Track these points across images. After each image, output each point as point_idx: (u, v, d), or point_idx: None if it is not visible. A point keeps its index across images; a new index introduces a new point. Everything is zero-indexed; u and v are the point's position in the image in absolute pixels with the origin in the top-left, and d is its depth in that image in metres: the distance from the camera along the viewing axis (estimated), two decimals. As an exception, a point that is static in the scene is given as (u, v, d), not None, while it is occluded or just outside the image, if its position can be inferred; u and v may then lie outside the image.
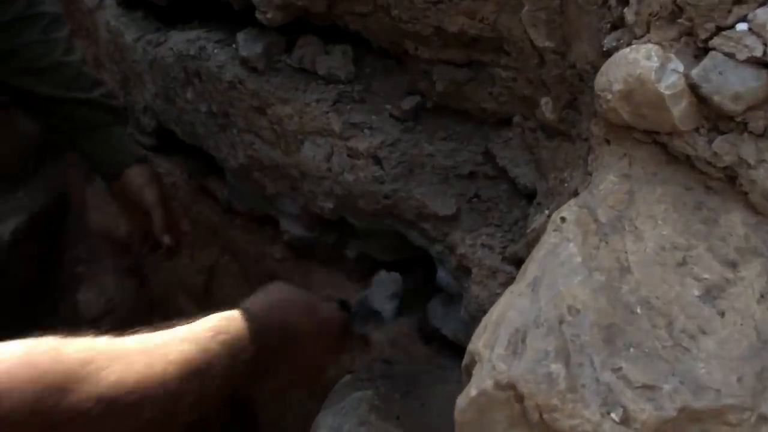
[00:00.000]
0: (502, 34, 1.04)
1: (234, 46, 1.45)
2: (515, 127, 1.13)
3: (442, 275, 1.16)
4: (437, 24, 1.10)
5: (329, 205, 1.29)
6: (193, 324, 0.80)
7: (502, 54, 1.10)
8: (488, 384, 0.62)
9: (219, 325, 0.81)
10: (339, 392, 1.24)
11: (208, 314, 1.96)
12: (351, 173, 1.21)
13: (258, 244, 1.59)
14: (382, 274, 1.17)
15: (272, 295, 0.93)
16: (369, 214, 1.23)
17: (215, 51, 1.49)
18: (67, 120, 1.41)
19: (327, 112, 1.26)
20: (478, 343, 0.67)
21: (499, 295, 1.00)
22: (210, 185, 1.71)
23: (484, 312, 1.02)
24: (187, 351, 0.75)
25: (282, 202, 1.45)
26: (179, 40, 1.60)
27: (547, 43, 0.98)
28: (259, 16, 1.29)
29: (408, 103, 1.23)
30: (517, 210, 1.09)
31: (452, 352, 1.15)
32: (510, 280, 0.99)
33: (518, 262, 1.02)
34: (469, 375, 0.69)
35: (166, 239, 1.36)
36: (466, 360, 0.71)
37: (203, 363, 0.75)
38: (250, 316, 0.85)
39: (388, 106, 1.25)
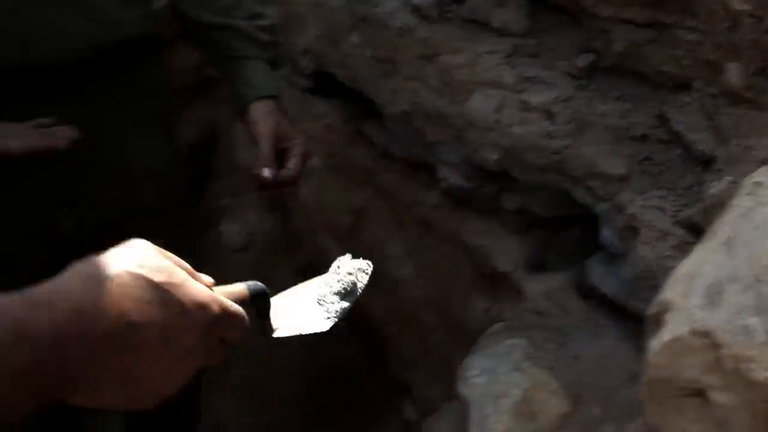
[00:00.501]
0: (693, -6, 1.03)
1: (405, -6, 1.49)
2: (694, 92, 1.12)
3: (607, 234, 1.17)
4: (624, -19, 1.09)
5: (493, 156, 1.31)
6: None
7: (689, 15, 1.09)
8: (684, 330, 0.64)
9: (13, 330, 0.54)
10: (490, 338, 1.28)
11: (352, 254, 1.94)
12: (521, 126, 1.23)
13: (412, 189, 1.64)
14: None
15: (115, 264, 0.60)
16: (535, 168, 1.25)
17: (386, -3, 1.53)
18: (220, 48, 1.40)
19: (499, 65, 1.28)
20: (669, 293, 0.70)
21: (669, 257, 1.02)
22: (366, 129, 1.76)
23: (651, 273, 1.04)
24: None
25: (442, 150, 1.49)
26: (347, -16, 1.64)
27: (744, 6, 0.97)
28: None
29: (583, 61, 1.23)
30: (690, 175, 1.08)
31: (610, 309, 1.17)
32: (682, 244, 1.00)
33: (691, 227, 1.02)
34: (657, 323, 0.71)
35: (265, 172, 1.28)
36: (653, 310, 0.73)
37: None
38: (68, 309, 0.57)
39: (562, 63, 1.26)
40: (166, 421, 1.78)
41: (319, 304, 0.84)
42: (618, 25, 1.17)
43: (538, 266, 1.35)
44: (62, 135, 1.09)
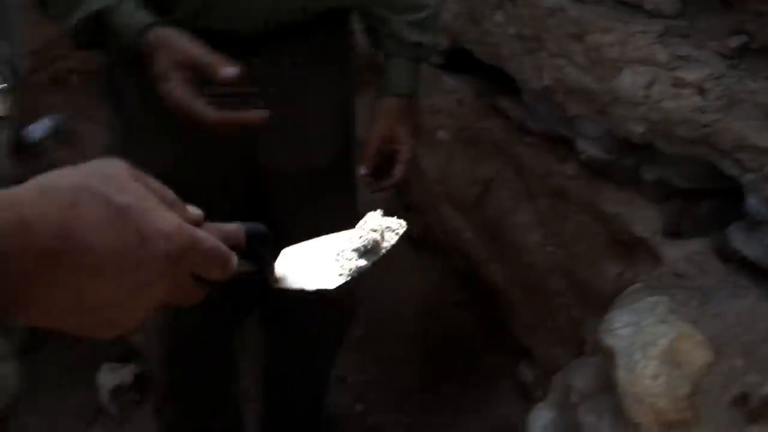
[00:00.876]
0: None
1: (556, -24, 1.59)
2: None
3: (753, 203, 1.26)
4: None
5: (639, 129, 1.41)
6: None
7: None
8: None
9: None
10: (630, 296, 1.39)
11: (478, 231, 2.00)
12: (672, 101, 1.33)
13: (547, 161, 1.75)
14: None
15: (73, 178, 0.55)
16: (684, 141, 1.34)
17: (536, -21, 1.63)
18: (375, 38, 1.45)
19: (652, 44, 1.38)
20: None
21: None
22: (501, 104, 1.87)
23: (801, 237, 1.13)
24: None
25: (582, 124, 1.59)
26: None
27: None
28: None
29: (735, 42, 1.32)
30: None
31: (751, 272, 1.26)
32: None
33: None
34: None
35: (361, 170, 1.37)
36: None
37: None
38: (14, 218, 0.52)
39: (713, 43, 1.35)
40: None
41: (336, 259, 0.79)
42: (773, 7, 1.25)
43: (674, 234, 1.44)
44: (256, 115, 1.13)
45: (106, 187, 0.54)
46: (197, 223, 0.62)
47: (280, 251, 0.73)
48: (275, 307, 1.84)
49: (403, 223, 0.84)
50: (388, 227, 0.84)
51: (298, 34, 1.30)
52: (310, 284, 0.76)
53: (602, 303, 1.61)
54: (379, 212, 0.84)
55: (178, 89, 1.12)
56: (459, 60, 2.06)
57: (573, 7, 1.52)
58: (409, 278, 2.52)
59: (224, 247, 0.62)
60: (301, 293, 0.72)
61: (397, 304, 2.50)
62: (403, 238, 2.21)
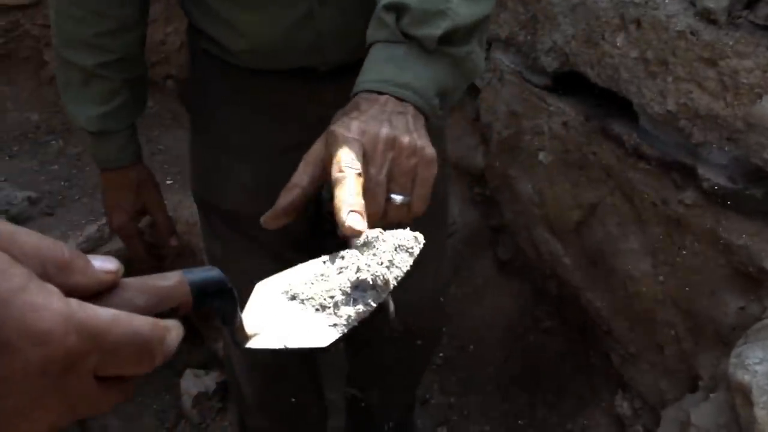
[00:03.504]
0: None
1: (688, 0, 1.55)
2: None
3: None
4: None
5: (777, 158, 1.36)
6: None
7: None
8: None
9: None
10: (762, 331, 1.33)
11: (577, 256, 1.88)
12: (818, 130, 1.28)
13: (662, 188, 1.70)
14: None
15: None
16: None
17: (665, 1, 1.59)
18: None
19: (797, 70, 1.33)
20: None
21: None
22: (614, 128, 1.83)
23: None
24: None
25: (708, 150, 1.54)
26: (620, -11, 1.72)
27: None
28: (739, -28, 1.38)
29: None
30: None
31: None
32: None
33: None
34: None
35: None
36: None
37: None
38: None
39: None
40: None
41: (327, 303, 0.59)
42: None
43: (808, 269, 1.38)
44: None
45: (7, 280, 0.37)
46: (110, 285, 0.44)
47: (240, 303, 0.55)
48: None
49: (421, 238, 0.71)
50: (400, 246, 0.68)
51: None
52: (295, 342, 0.57)
53: (720, 338, 1.56)
54: (384, 231, 0.71)
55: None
56: (568, 83, 2.03)
57: (707, 30, 1.48)
58: (497, 301, 2.49)
59: (146, 327, 0.43)
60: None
61: (484, 327, 2.46)
62: (492, 261, 2.18)
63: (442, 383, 2.38)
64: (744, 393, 1.23)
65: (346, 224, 0.71)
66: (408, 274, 0.66)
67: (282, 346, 0.56)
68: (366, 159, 0.81)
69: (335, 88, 1.09)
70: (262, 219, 0.83)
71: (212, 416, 2.32)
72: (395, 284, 0.63)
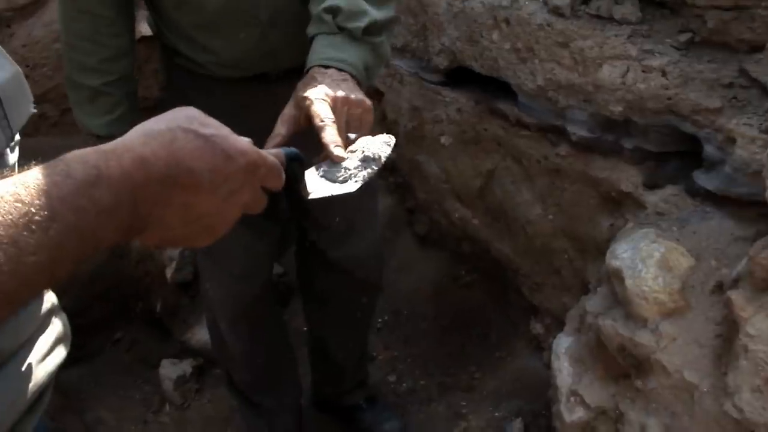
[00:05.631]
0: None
1: (541, 0, 2.06)
2: (766, 51, 1.67)
3: (709, 149, 1.72)
4: (715, -20, 1.66)
5: (619, 108, 1.87)
6: (70, 163, 0.64)
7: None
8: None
9: (93, 174, 0.64)
10: (625, 232, 1.82)
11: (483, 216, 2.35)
12: (643, 83, 1.79)
13: (541, 147, 2.19)
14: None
15: (166, 122, 0.72)
16: (653, 111, 1.80)
17: (525, 3, 2.10)
18: None
19: (624, 43, 1.84)
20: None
21: (756, 153, 1.57)
22: (499, 106, 2.32)
23: (746, 165, 1.59)
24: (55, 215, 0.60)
25: (571, 112, 2.05)
26: (489, -2, 2.22)
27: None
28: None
29: (683, 37, 1.79)
30: (767, 103, 1.64)
31: (713, 201, 1.71)
32: (766, 143, 1.55)
33: (772, 133, 1.57)
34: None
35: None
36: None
37: (67, 227, 0.61)
38: (134, 156, 0.67)
39: (669, 40, 1.82)
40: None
41: (345, 171, 1.03)
42: (710, 10, 1.73)
43: (653, 186, 1.89)
44: None
45: (191, 124, 0.72)
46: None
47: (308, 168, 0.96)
48: (311, 278, 2.25)
49: (393, 137, 1.10)
50: (383, 141, 1.09)
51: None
52: (336, 190, 0.98)
53: (599, 251, 2.06)
54: (371, 137, 1.11)
55: None
56: (457, 76, 2.52)
57: (558, 21, 1.99)
58: (421, 269, 2.94)
59: (276, 161, 0.81)
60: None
61: (413, 292, 2.90)
62: (411, 237, 2.70)
63: (385, 342, 2.80)
64: (617, 275, 1.71)
65: (334, 154, 1.10)
66: (384, 165, 1.08)
67: (330, 194, 0.99)
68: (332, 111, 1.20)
69: (284, 87, 1.47)
70: None
71: (192, 396, 2.67)
72: (385, 159, 1.06)
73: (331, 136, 1.13)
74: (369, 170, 1.03)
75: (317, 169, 1.05)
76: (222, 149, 0.72)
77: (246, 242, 1.95)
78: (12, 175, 0.62)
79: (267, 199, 0.82)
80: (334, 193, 0.99)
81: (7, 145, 0.79)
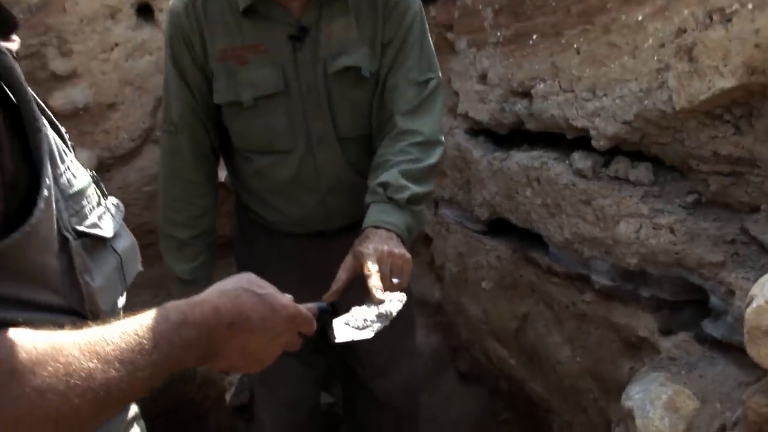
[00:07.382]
0: (755, 155, 1.80)
1: (567, 161, 2.31)
2: (762, 211, 1.87)
3: (714, 300, 1.89)
4: (714, 150, 1.88)
5: (634, 260, 2.07)
6: (168, 310, 0.90)
7: (755, 167, 1.86)
8: (761, 302, 1.36)
9: (182, 318, 0.89)
10: (639, 375, 1.98)
11: (518, 356, 2.57)
12: (654, 239, 2.00)
13: (570, 294, 2.39)
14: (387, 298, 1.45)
15: (233, 283, 1.01)
16: (664, 264, 1.99)
17: (553, 164, 2.35)
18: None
19: (637, 203, 2.06)
20: (756, 291, 1.42)
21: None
22: (533, 255, 2.54)
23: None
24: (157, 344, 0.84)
25: (595, 263, 2.25)
26: (523, 157, 2.49)
27: (786, 162, 1.74)
28: (594, 143, 2.14)
29: (690, 198, 2.01)
30: (764, 259, 1.82)
31: (719, 348, 1.86)
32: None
33: None
34: (749, 305, 1.42)
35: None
36: (747, 302, 1.44)
37: (163, 355, 0.85)
38: (211, 306, 0.94)
39: (677, 200, 2.03)
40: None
41: (365, 322, 1.35)
42: (712, 175, 1.94)
43: (667, 332, 2.06)
44: None
45: (251, 285, 1.02)
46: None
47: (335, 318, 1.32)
48: (354, 409, 2.45)
49: (405, 295, 1.48)
50: (397, 299, 1.44)
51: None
52: (356, 337, 1.31)
53: (621, 391, 2.20)
54: (389, 294, 1.45)
55: None
56: (497, 226, 2.76)
57: (581, 182, 2.23)
58: (462, 405, 3.09)
59: (309, 314, 1.14)
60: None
61: (454, 426, 3.04)
62: (454, 373, 2.93)
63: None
64: (630, 414, 1.86)
65: (375, 296, 1.41)
66: (399, 314, 1.42)
67: (351, 339, 1.31)
68: (378, 263, 1.55)
69: (338, 243, 1.83)
70: (325, 296, 1.51)
71: None
72: (396, 313, 1.39)
73: (374, 281, 1.49)
74: (381, 323, 1.37)
75: (344, 319, 1.38)
76: (270, 303, 1.03)
77: (296, 373, 2.20)
78: (124, 317, 0.86)
79: (302, 341, 1.13)
80: (354, 339, 1.32)
81: (121, 295, 1.04)
